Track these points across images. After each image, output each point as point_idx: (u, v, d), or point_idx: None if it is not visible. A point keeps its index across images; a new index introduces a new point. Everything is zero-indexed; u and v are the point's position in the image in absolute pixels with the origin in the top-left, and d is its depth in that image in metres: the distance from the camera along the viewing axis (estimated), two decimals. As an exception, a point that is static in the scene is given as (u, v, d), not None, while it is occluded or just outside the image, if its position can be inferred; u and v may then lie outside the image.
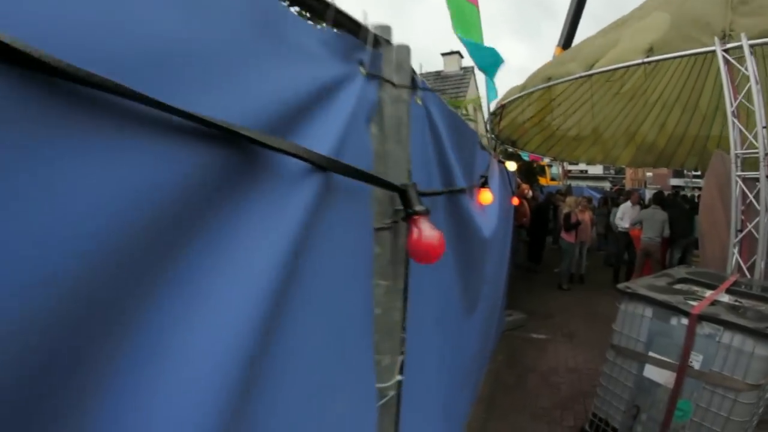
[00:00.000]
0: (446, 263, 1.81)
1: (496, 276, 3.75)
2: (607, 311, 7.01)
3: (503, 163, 4.24)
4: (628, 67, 5.12)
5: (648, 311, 2.80)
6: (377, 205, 1.17)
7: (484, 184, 2.55)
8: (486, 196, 2.53)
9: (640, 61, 4.77)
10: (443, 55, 19.94)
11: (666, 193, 11.22)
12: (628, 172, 31.52)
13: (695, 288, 3.38)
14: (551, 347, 5.37)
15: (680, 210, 7.65)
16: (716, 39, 4.37)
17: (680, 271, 3.67)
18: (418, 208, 1.09)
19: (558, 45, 12.08)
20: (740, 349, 2.35)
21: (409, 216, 1.10)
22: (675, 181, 34.91)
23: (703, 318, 2.50)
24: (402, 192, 1.13)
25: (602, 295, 7.58)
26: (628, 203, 8.22)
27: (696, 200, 10.70)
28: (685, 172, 30.35)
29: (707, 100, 10.36)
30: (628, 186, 26.85)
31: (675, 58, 4.73)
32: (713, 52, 4.37)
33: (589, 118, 10.88)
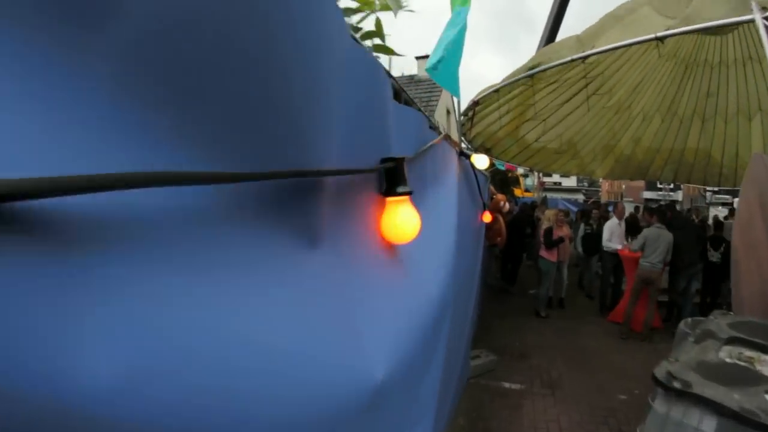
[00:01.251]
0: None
1: (453, 363, 2.51)
2: (594, 347, 5.82)
3: (468, 157, 2.71)
4: (640, 42, 4.13)
5: (709, 424, 1.59)
6: None
7: (393, 186, 1.10)
8: (402, 221, 1.10)
9: (653, 36, 3.79)
10: (417, 58, 18.97)
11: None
12: (604, 184, 31.07)
13: (749, 353, 2.25)
14: (528, 403, 4.18)
15: (692, 232, 6.52)
16: (753, 5, 3.31)
17: (722, 326, 2.51)
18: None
19: (536, 55, 11.43)
20: None
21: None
22: (648, 194, 34.65)
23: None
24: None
25: (586, 325, 6.49)
26: (614, 220, 7.06)
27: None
28: (659, 184, 30.06)
29: (684, 105, 9.98)
30: (603, 199, 26.22)
31: (698, 30, 3.71)
32: (751, 21, 3.29)
33: (573, 132, 10.35)
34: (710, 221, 12.24)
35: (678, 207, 16.12)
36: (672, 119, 10.43)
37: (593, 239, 7.39)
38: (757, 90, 8.65)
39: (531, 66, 5.52)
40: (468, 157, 2.79)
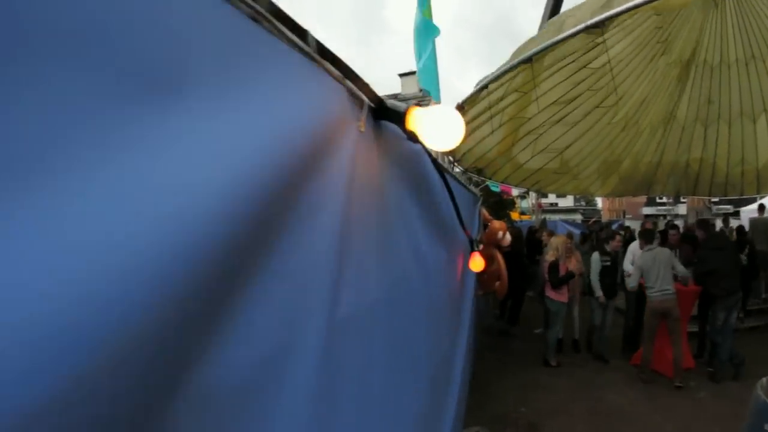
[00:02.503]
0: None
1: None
2: (622, 405, 4.52)
3: (405, 131, 1.12)
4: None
5: None
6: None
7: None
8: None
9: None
10: (401, 75, 18.51)
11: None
12: (605, 202, 30.12)
13: None
14: None
15: (732, 253, 5.52)
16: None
17: None
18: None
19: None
20: None
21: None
22: (648, 210, 33.73)
23: None
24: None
25: (607, 372, 5.44)
26: (637, 243, 5.97)
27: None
28: (658, 199, 29.30)
29: (686, 113, 9.33)
30: (605, 218, 25.19)
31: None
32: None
33: (575, 151, 9.53)
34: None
35: (682, 221, 15.21)
36: (674, 129, 9.77)
37: (613, 275, 5.86)
38: (761, 90, 8.09)
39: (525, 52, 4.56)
40: (400, 122, 1.12)
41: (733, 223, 16.84)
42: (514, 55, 5.12)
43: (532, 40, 5.23)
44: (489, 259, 3.88)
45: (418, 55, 4.54)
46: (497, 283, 4.08)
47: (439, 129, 1.12)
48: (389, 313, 1.18)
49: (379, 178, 1.12)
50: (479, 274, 3.02)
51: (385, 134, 1.17)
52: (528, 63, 4.66)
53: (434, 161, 1.61)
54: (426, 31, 4.61)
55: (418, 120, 1.08)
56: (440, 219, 1.83)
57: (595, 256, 5.81)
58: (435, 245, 1.73)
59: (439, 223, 1.82)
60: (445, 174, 1.74)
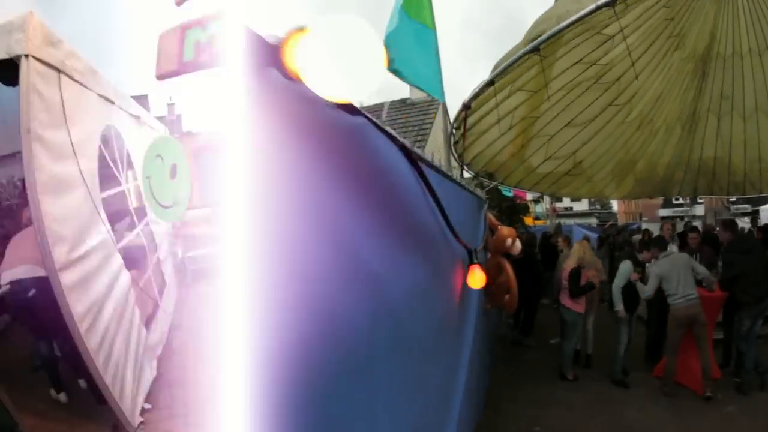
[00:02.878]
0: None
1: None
2: (645, 423, 4.14)
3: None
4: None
5: None
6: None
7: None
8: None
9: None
10: (410, 81, 18.21)
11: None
12: (620, 205, 29.61)
13: None
14: None
15: (762, 256, 5.07)
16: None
17: None
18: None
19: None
20: None
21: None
22: (664, 212, 33.09)
23: None
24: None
25: (629, 387, 5.02)
26: (672, 247, 5.61)
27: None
28: (674, 200, 28.73)
29: (698, 107, 8.99)
30: (621, 221, 24.68)
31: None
32: None
33: (588, 151, 9.30)
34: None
35: (700, 222, 14.75)
36: (690, 127, 9.47)
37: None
38: (778, 83, 7.72)
39: (534, 36, 4.28)
40: (280, 64, 0.68)
41: (754, 223, 16.32)
42: (511, 52, 4.87)
43: (534, 27, 4.97)
44: (497, 270, 3.60)
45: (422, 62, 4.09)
46: (506, 297, 3.71)
47: (338, 62, 0.64)
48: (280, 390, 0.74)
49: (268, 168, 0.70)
50: (486, 287, 2.74)
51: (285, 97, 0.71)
52: (536, 53, 4.41)
53: (404, 147, 1.14)
54: (423, 37, 4.13)
55: (301, 51, 0.62)
56: (415, 226, 1.38)
57: (627, 265, 5.18)
58: (403, 260, 1.29)
59: (414, 232, 1.37)
60: (422, 165, 1.26)
